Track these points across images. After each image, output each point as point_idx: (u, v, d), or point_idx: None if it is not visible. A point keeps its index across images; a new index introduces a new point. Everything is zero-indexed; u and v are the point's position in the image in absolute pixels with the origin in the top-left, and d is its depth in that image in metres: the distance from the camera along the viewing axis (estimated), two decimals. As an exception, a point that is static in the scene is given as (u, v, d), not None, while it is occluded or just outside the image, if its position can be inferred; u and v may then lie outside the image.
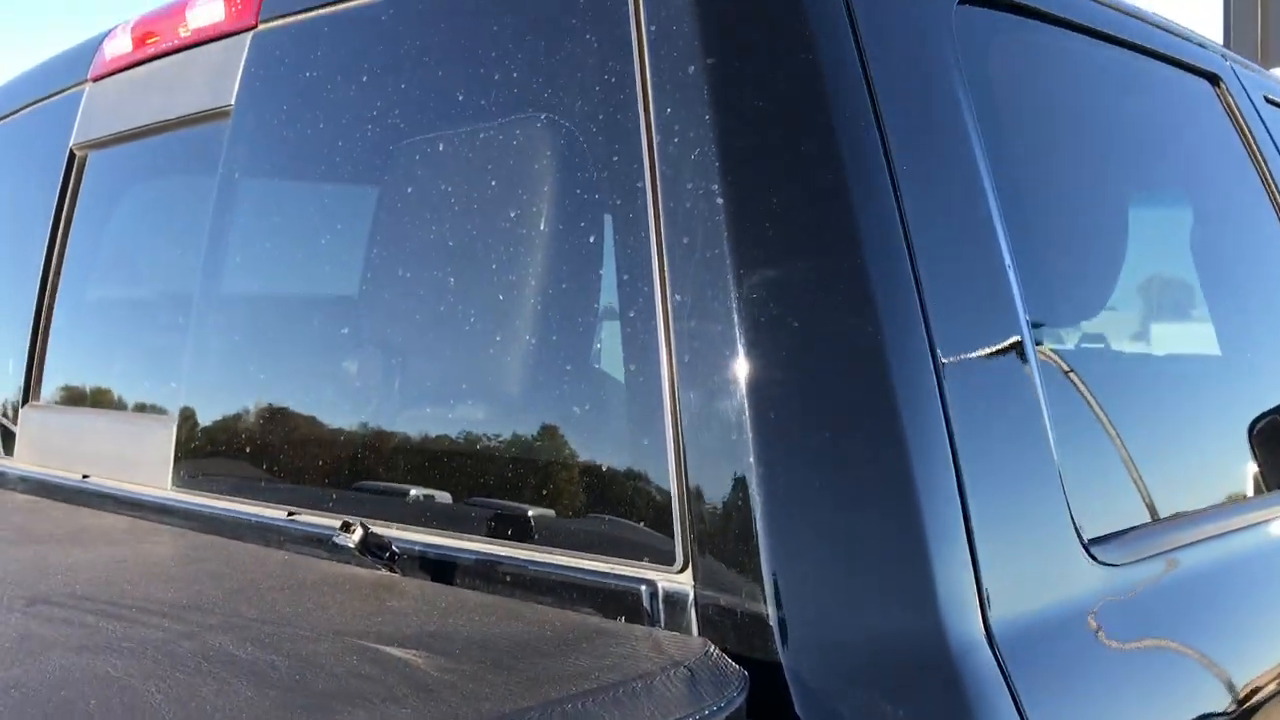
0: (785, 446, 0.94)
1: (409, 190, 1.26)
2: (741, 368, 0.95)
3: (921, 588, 0.93)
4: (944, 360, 1.00)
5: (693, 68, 1.02)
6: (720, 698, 0.78)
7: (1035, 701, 0.93)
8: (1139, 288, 1.74)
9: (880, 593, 0.93)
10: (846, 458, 0.96)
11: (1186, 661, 1.15)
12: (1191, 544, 1.25)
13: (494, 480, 1.11)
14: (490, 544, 1.09)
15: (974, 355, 1.06)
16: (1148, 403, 1.45)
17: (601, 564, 1.02)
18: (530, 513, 1.08)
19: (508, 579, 1.07)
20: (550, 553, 1.05)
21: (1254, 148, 1.88)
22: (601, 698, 0.73)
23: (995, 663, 0.93)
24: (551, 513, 1.07)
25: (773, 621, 0.90)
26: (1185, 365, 1.74)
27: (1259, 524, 1.40)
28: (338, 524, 1.10)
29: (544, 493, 1.08)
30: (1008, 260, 1.12)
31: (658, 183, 1.02)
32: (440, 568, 1.12)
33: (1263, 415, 1.68)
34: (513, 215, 1.14)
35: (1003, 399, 1.08)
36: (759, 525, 0.92)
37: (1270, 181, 1.87)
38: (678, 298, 0.99)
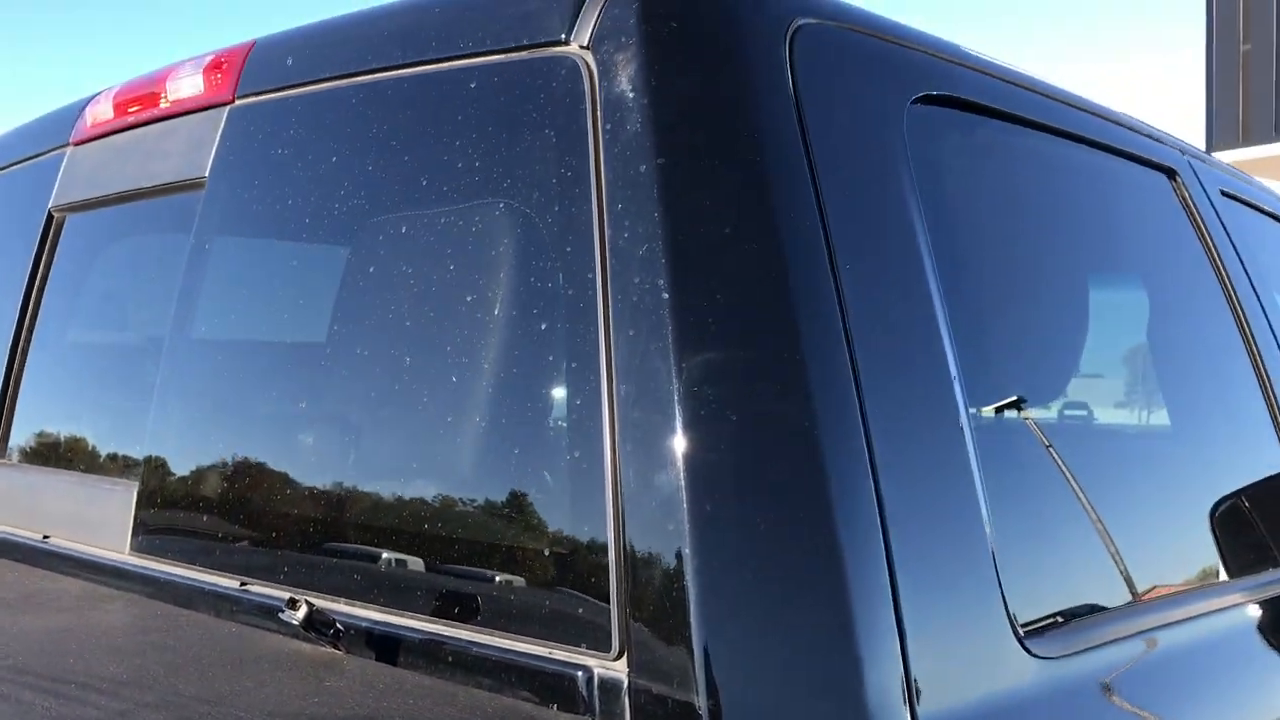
0: (720, 538, 0.96)
1: (370, 269, 1.29)
2: (681, 458, 0.97)
3: (849, 680, 0.95)
4: (879, 451, 1.03)
5: (644, 166, 1.06)
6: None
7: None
8: (1094, 377, 1.77)
9: (809, 685, 0.95)
10: (780, 549, 0.98)
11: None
12: (1133, 635, 1.27)
13: (440, 559, 1.13)
14: (435, 623, 1.11)
15: (910, 445, 1.08)
16: (1094, 491, 1.48)
17: (541, 648, 1.03)
18: (474, 593, 1.09)
19: (450, 659, 1.09)
20: (492, 634, 1.07)
21: (1209, 241, 1.92)
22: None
23: (923, 760, 0.95)
24: (495, 594, 1.08)
25: (702, 711, 0.92)
26: (1135, 454, 1.77)
27: (1206, 614, 1.41)
28: (287, 597, 1.11)
29: (489, 574, 1.09)
30: (949, 352, 1.15)
31: (608, 275, 1.05)
32: (385, 646, 1.13)
33: (1222, 500, 1.71)
34: (468, 299, 1.17)
35: (938, 489, 1.10)
36: (692, 615, 0.94)
37: (1224, 274, 1.91)
38: (623, 388, 1.02)
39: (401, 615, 1.14)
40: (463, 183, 1.21)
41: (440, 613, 1.11)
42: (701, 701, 0.92)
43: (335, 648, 1.12)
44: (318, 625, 1.09)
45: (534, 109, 1.16)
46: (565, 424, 1.06)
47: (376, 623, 1.15)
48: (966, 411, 1.15)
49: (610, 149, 1.08)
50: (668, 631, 0.95)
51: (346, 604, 1.18)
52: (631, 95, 1.09)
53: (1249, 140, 10.78)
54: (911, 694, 0.98)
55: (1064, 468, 1.46)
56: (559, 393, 1.08)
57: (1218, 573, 1.56)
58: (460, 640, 1.08)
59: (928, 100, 1.33)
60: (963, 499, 1.11)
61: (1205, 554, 1.58)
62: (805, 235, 1.07)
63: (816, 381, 1.02)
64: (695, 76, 1.11)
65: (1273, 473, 1.82)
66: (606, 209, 1.07)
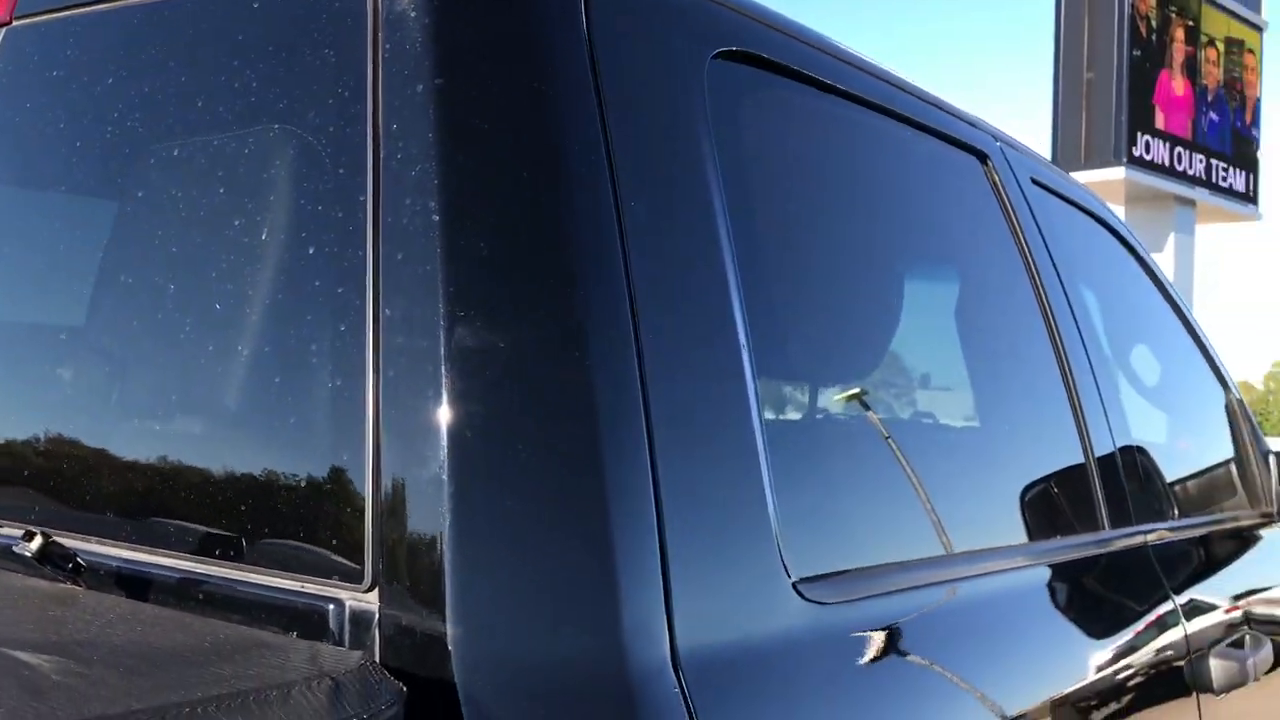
0: (480, 467, 0.94)
1: (140, 195, 1.23)
2: (444, 386, 0.94)
3: (605, 611, 0.93)
4: (654, 395, 1.01)
5: (421, 87, 1.03)
6: (365, 710, 0.76)
7: (713, 721, 0.94)
8: (895, 353, 1.80)
9: (565, 616, 0.93)
10: (542, 482, 0.96)
11: (886, 700, 1.18)
12: (903, 590, 1.28)
13: (193, 494, 1.08)
14: (185, 560, 1.05)
15: (691, 398, 1.07)
16: (879, 461, 1.50)
17: (293, 582, 0.99)
18: (225, 529, 1.04)
19: (200, 597, 1.03)
20: (243, 570, 1.02)
21: (1017, 226, 1.98)
22: (227, 704, 0.70)
23: (679, 688, 0.94)
24: (248, 529, 1.03)
25: (450, 640, 0.89)
26: (927, 429, 1.80)
27: (971, 576, 1.45)
28: (23, 531, 1.05)
29: (241, 508, 1.04)
30: (738, 315, 1.14)
31: (380, 198, 1.01)
32: (132, 584, 1.07)
33: (1006, 472, 1.76)
34: (236, 224, 1.12)
35: (719, 446, 1.09)
36: (445, 544, 0.91)
37: (1030, 259, 1.97)
38: (388, 312, 0.98)
39: (151, 553, 1.08)
40: (241, 105, 1.16)
41: (190, 549, 1.06)
42: (449, 630, 0.89)
43: (75, 583, 1.05)
44: (54, 558, 1.02)
45: (315, 28, 1.11)
46: (327, 351, 1.02)
47: (125, 561, 1.09)
48: (754, 378, 1.14)
49: (389, 69, 1.04)
50: (420, 563, 0.92)
51: (98, 543, 1.11)
52: (414, 15, 1.05)
53: (1090, 163, 11.27)
54: (673, 629, 0.97)
55: (852, 439, 1.48)
56: (323, 319, 1.03)
57: (986, 538, 1.60)
58: (211, 577, 1.03)
59: (730, 56, 1.33)
60: (745, 463, 1.11)
61: (977, 520, 1.62)
62: (590, 171, 1.05)
63: (592, 317, 1.00)
64: (482, 2, 1.08)
65: (1060, 450, 1.88)
66: (382, 130, 1.03)
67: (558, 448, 0.96)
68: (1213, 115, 12.57)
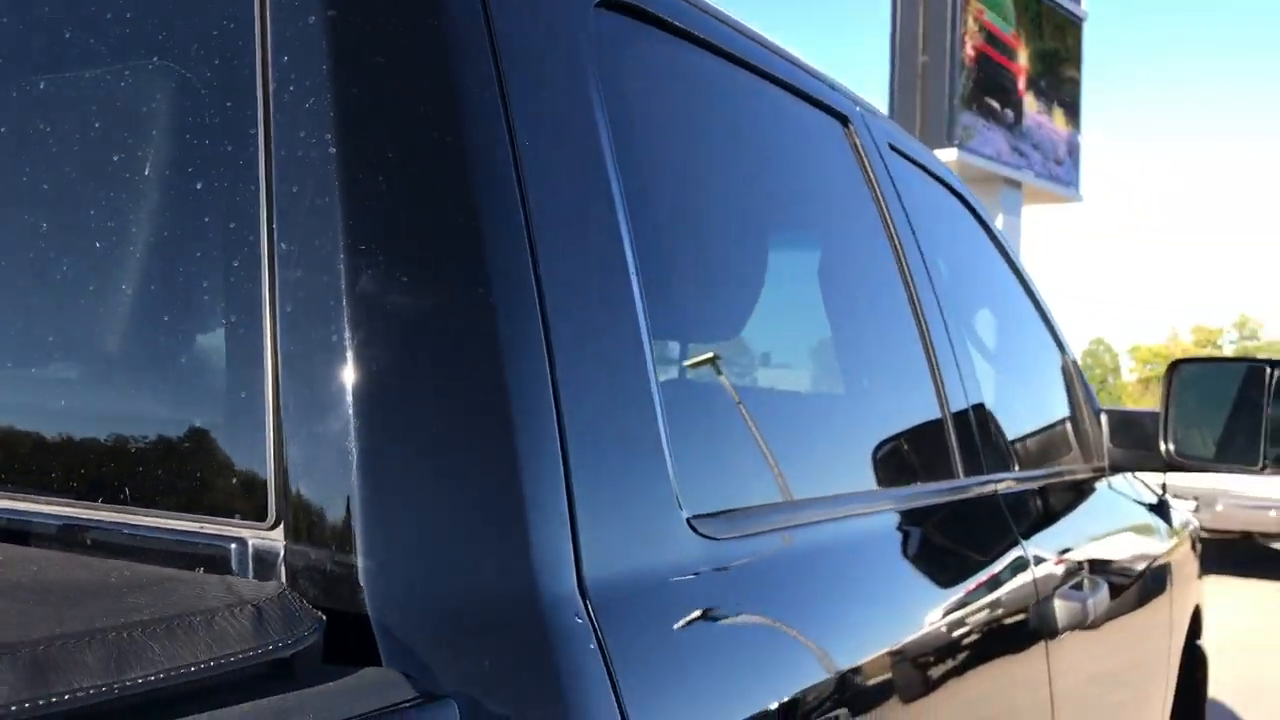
0: (385, 400, 0.93)
1: (7, 131, 1.17)
2: (344, 317, 0.93)
3: (515, 541, 0.94)
4: (556, 335, 1.02)
5: (313, 19, 1.01)
6: (289, 635, 0.76)
7: (621, 644, 0.96)
8: (768, 308, 1.85)
9: (475, 547, 0.93)
10: (449, 415, 0.96)
11: (770, 627, 1.22)
12: (782, 528, 1.33)
13: (74, 439, 1.04)
14: (68, 506, 1.02)
15: (590, 340, 1.09)
16: (763, 410, 1.54)
17: (191, 524, 0.96)
18: (113, 472, 1.01)
19: (89, 543, 1.00)
20: (136, 514, 0.99)
21: (877, 189, 2.05)
22: (153, 629, 0.69)
23: (586, 613, 0.95)
24: (138, 470, 1.00)
25: (361, 574, 0.89)
26: (804, 384, 1.87)
27: (844, 518, 1.51)
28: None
29: (130, 450, 1.01)
30: (632, 271, 1.16)
31: (270, 131, 0.99)
32: (11, 534, 1.02)
33: (872, 423, 1.83)
34: (116, 160, 1.08)
35: (618, 391, 1.11)
36: (355, 477, 0.90)
37: (890, 221, 2.05)
38: (284, 246, 0.96)
39: (33, 501, 1.03)
40: (117, 36, 1.12)
41: (81, 495, 1.02)
42: (360, 563, 0.89)
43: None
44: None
45: (197, -41, 1.08)
46: (222, 286, 0.99)
47: (6, 510, 1.04)
48: (647, 326, 1.16)
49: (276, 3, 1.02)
50: (325, 496, 0.91)
51: None
52: (302, -53, 1.03)
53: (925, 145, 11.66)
54: (579, 560, 0.98)
55: (736, 393, 1.52)
56: (218, 255, 1.01)
57: (856, 484, 1.67)
58: (97, 522, 1.00)
59: (609, 6, 1.34)
60: (641, 404, 1.13)
61: (846, 468, 1.69)
62: (486, 109, 1.05)
63: (490, 238, 1.00)
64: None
65: (919, 405, 1.97)
66: (271, 61, 1.01)
67: (465, 380, 0.96)
68: (1039, 103, 13.20)
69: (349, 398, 0.92)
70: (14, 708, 0.61)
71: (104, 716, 0.67)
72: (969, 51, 11.89)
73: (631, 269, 1.17)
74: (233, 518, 0.95)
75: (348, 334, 0.93)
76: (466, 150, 1.02)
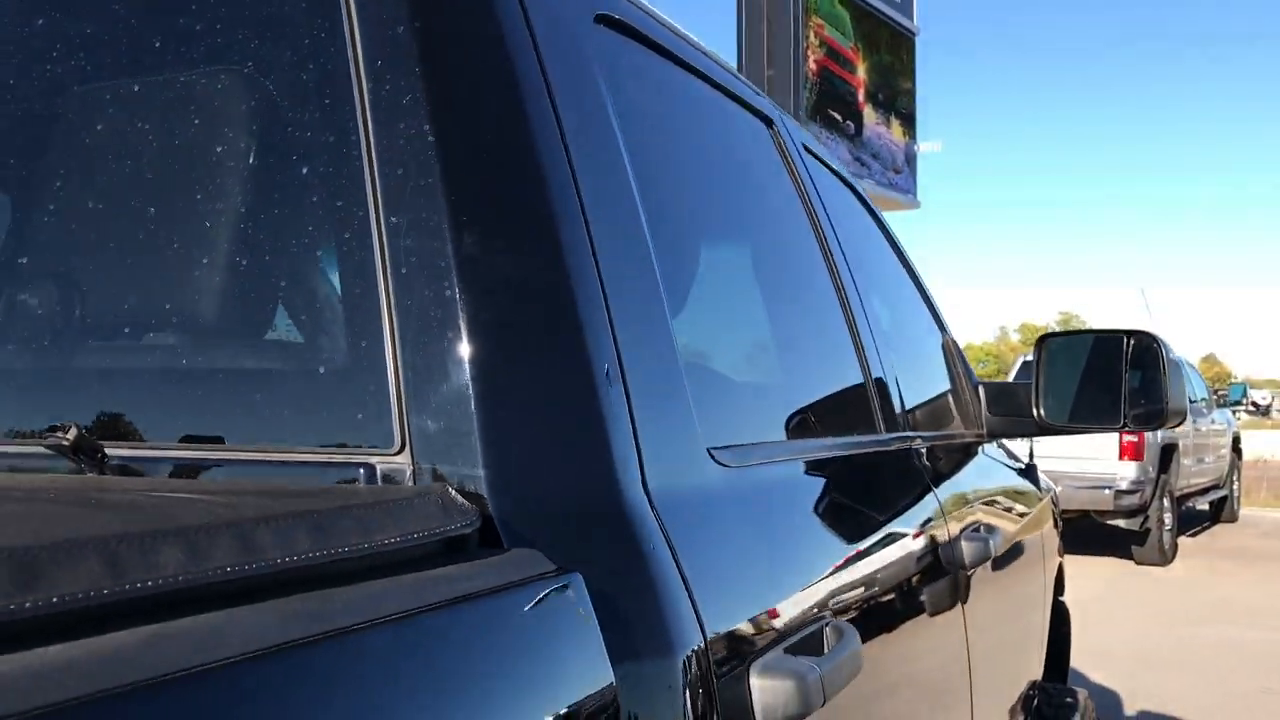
0: (490, 344, 1.12)
1: (99, 129, 1.31)
2: (454, 277, 1.12)
3: (602, 459, 1.15)
4: (610, 290, 1.23)
5: (402, 28, 1.20)
6: (465, 518, 0.94)
7: (676, 532, 1.18)
8: (724, 286, 2.09)
9: (572, 461, 1.14)
10: (543, 354, 1.16)
11: (773, 534, 1.47)
12: (781, 461, 1.58)
13: (217, 384, 1.20)
14: (205, 450, 1.17)
15: (630, 293, 1.30)
16: (742, 371, 1.78)
17: (320, 456, 1.14)
18: (251, 414, 1.17)
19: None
20: (268, 452, 1.15)
21: (801, 187, 2.31)
22: (372, 510, 0.87)
23: (653, 513, 1.17)
24: (266, 412, 1.17)
25: (484, 483, 1.08)
26: (766, 352, 2.12)
27: (831, 454, 1.77)
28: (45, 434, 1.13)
29: (258, 395, 1.18)
30: (653, 254, 1.38)
31: (368, 124, 1.17)
32: (159, 473, 1.17)
33: (813, 383, 2.09)
34: (243, 151, 1.24)
35: (653, 340, 1.33)
36: (473, 405, 1.09)
37: (814, 217, 2.31)
38: (393, 219, 1.15)
39: (172, 448, 1.19)
40: (208, 45, 1.28)
41: (218, 437, 1.18)
42: (483, 474, 1.08)
43: (102, 474, 1.15)
44: (86, 450, 1.11)
45: (286, -22, 1.25)
46: (337, 257, 1.17)
47: (140, 457, 1.19)
48: (663, 283, 1.38)
49: (364, 12, 1.20)
50: (447, 421, 1.10)
51: (129, 447, 1.20)
52: (387, -29, 1.21)
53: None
54: (644, 475, 1.19)
55: (722, 354, 1.75)
56: (328, 230, 1.19)
57: (816, 431, 1.93)
58: (233, 460, 1.16)
59: (601, 21, 1.55)
60: (668, 355, 1.35)
61: (807, 419, 1.94)
62: (539, 100, 1.25)
63: (552, 211, 1.21)
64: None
65: (844, 369, 2.24)
66: (364, 65, 1.19)
67: (553, 328, 1.16)
68: (877, 114, 13.86)
69: (462, 343, 1.11)
70: (300, 556, 0.78)
71: (336, 577, 0.85)
72: (812, 65, 12.44)
73: (647, 235, 1.39)
74: (360, 447, 1.12)
75: (457, 287, 1.12)
76: (530, 129, 1.23)
